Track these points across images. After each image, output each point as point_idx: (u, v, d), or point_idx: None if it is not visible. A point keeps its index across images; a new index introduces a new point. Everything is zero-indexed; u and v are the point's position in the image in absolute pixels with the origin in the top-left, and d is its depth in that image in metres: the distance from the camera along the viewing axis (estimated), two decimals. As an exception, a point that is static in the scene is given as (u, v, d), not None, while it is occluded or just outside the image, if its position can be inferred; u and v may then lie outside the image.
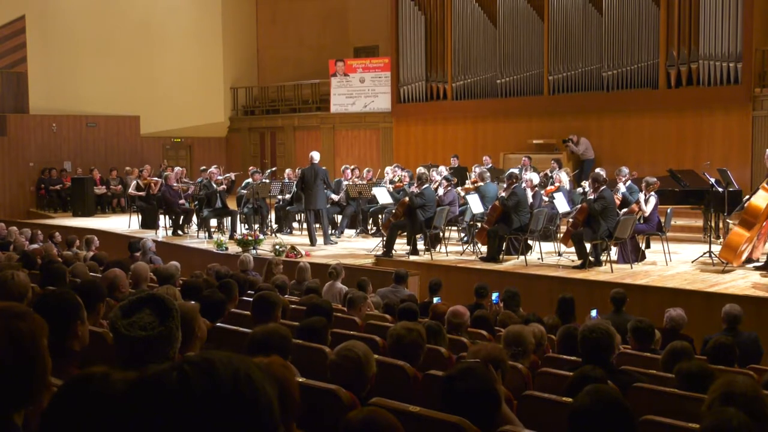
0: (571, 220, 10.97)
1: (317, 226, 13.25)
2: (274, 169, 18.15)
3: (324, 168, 13.22)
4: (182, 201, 14.61)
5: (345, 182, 14.50)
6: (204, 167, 15.03)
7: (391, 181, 14.08)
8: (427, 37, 18.58)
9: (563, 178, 12.95)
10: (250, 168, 16.09)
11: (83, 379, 1.65)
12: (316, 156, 13.12)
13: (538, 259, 11.01)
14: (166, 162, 20.45)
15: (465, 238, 12.61)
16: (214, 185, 14.05)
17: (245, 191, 14.16)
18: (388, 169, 14.81)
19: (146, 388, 1.10)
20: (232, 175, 15.00)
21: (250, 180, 14.52)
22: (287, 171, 16.00)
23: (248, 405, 1.09)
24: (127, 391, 1.13)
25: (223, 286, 5.96)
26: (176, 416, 1.06)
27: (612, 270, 10.02)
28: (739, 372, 4.80)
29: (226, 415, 1.07)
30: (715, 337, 5.73)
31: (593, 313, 7.09)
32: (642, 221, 10.72)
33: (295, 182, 14.24)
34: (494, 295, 7.64)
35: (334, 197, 14.07)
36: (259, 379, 1.12)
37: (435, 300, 7.42)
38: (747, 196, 10.24)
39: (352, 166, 15.50)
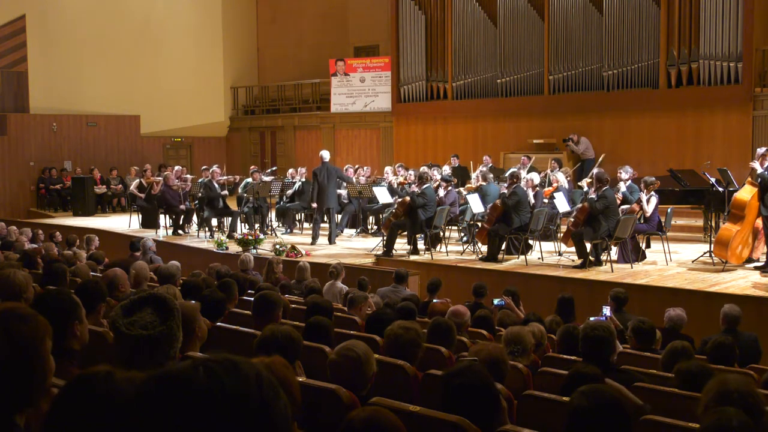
0: (572, 219, 10.97)
1: (323, 225, 13.30)
2: (274, 168, 18.13)
3: (337, 167, 13.43)
4: (183, 205, 14.58)
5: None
6: (205, 167, 15.00)
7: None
8: (428, 36, 18.57)
9: (560, 178, 12.95)
10: (251, 167, 16.08)
11: (85, 379, 1.64)
12: (326, 155, 13.15)
13: (539, 258, 11.01)
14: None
15: (465, 238, 12.60)
16: (216, 185, 14.04)
17: (246, 193, 14.15)
18: (388, 168, 14.78)
19: (169, 386, 1.02)
20: (236, 178, 15.00)
21: (249, 179, 14.52)
22: (289, 171, 15.99)
23: (270, 410, 1.04)
24: (143, 389, 1.05)
25: (223, 285, 5.96)
26: (201, 416, 0.99)
27: (612, 270, 10.02)
28: (734, 371, 4.80)
29: (251, 418, 1.02)
30: (714, 338, 5.73)
31: (606, 310, 7.06)
32: (642, 221, 10.72)
33: (291, 179, 14.32)
34: (496, 301, 7.62)
35: (342, 192, 14.05)
36: (277, 385, 1.08)
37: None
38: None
39: (357, 166, 15.49)
